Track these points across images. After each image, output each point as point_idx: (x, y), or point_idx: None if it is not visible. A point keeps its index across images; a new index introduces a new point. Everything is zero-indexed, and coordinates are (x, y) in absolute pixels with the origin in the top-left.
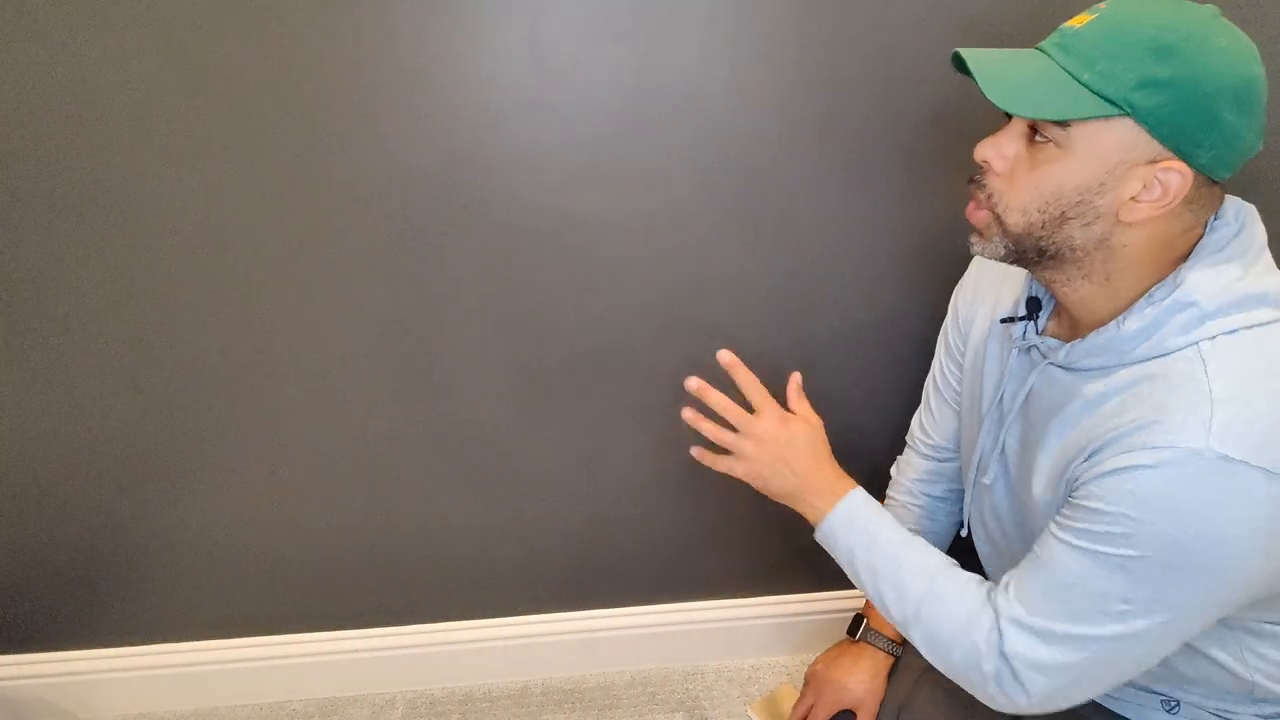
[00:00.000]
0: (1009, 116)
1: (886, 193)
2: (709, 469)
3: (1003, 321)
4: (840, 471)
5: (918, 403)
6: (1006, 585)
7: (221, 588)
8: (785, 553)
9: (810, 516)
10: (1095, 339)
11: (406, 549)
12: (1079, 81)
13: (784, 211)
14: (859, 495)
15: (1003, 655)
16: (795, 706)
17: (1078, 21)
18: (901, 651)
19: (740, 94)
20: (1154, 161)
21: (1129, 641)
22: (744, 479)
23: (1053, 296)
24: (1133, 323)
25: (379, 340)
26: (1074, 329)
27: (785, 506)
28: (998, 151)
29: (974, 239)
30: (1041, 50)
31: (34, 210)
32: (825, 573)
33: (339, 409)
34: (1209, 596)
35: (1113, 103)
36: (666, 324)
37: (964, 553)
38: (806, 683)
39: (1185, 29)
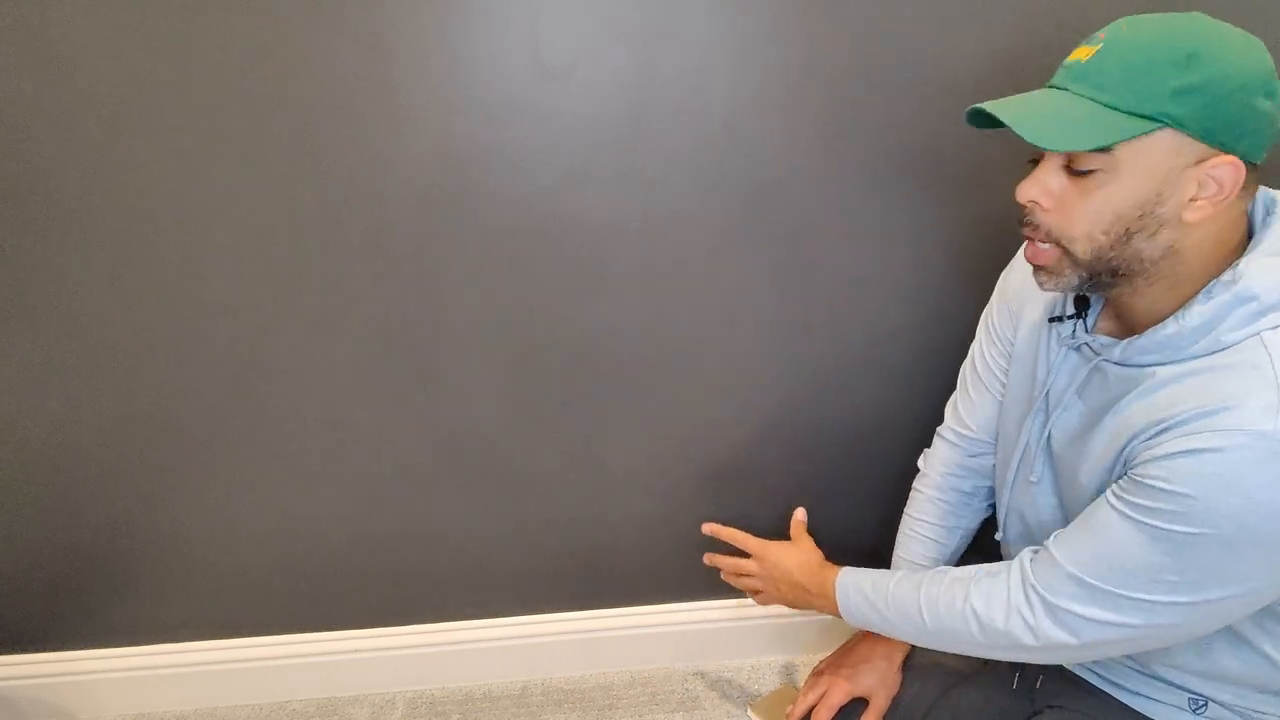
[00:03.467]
0: (1034, 158)
1: (891, 194)
2: (709, 470)
3: (1051, 320)
4: (826, 566)
5: (928, 408)
6: (1049, 545)
7: (221, 588)
8: None
9: (829, 612)
10: (1153, 336)
11: (406, 549)
12: (1108, 106)
13: (785, 212)
14: (846, 573)
15: (1048, 606)
16: (804, 694)
17: (1082, 55)
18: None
19: (741, 95)
20: (1202, 161)
21: (1175, 610)
22: (756, 595)
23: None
24: (1192, 319)
25: (379, 341)
26: (1126, 325)
27: (783, 509)
28: (1043, 189)
29: (1043, 278)
30: (1054, 87)
31: (33, 211)
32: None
33: (338, 409)
34: (1266, 577)
35: (1150, 118)
36: (666, 325)
37: (976, 556)
38: (818, 674)
39: (1196, 35)
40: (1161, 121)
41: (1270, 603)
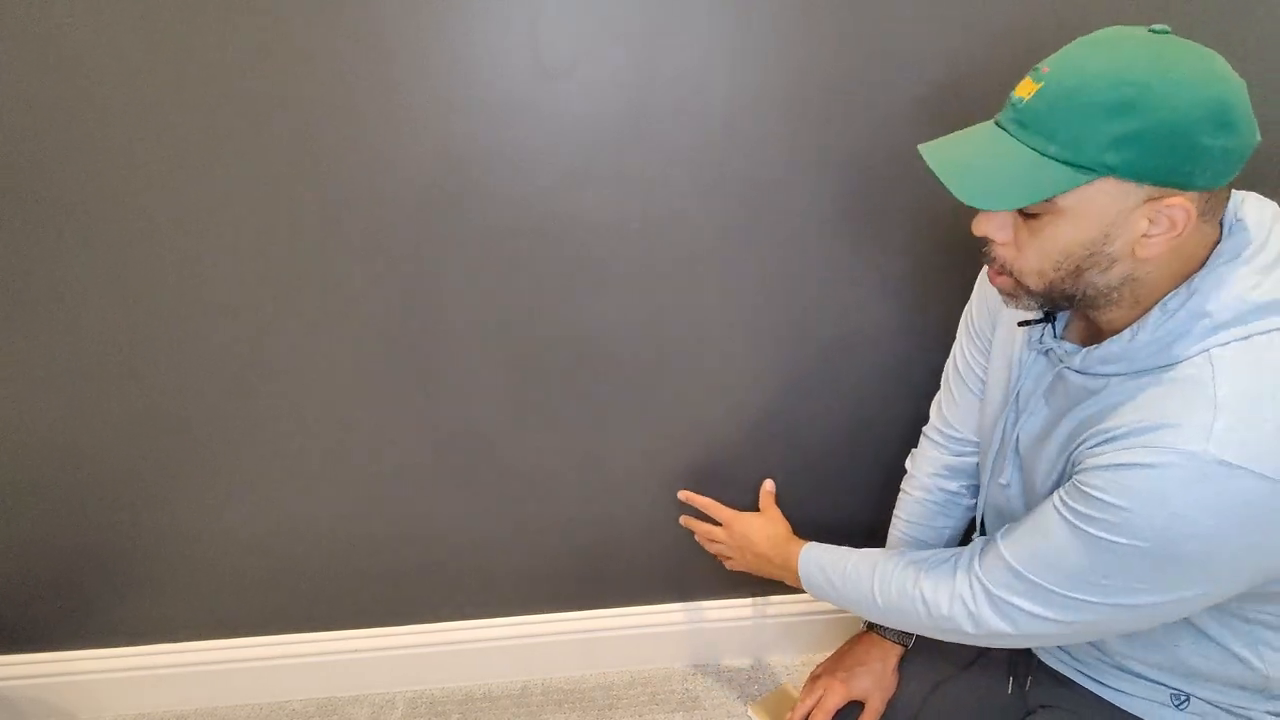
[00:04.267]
0: None
1: (890, 194)
2: (708, 470)
3: (1020, 324)
4: (791, 540)
5: (921, 409)
6: (997, 537)
7: (221, 588)
8: None
9: (791, 583)
10: (1109, 347)
11: (406, 549)
12: (1045, 156)
13: (784, 213)
14: (809, 549)
15: (989, 596)
16: (802, 699)
17: (1025, 91)
18: (911, 642)
19: (741, 95)
20: (1153, 199)
21: (1104, 610)
22: (726, 560)
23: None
24: (1146, 334)
25: (379, 341)
26: (1091, 332)
27: (782, 510)
28: (996, 226)
29: (1005, 299)
30: (999, 125)
31: (32, 212)
32: None
33: (338, 409)
34: (1195, 589)
35: (1087, 168)
36: (666, 325)
37: None
38: (815, 678)
39: (1138, 74)
40: (1098, 171)
41: (1221, 603)
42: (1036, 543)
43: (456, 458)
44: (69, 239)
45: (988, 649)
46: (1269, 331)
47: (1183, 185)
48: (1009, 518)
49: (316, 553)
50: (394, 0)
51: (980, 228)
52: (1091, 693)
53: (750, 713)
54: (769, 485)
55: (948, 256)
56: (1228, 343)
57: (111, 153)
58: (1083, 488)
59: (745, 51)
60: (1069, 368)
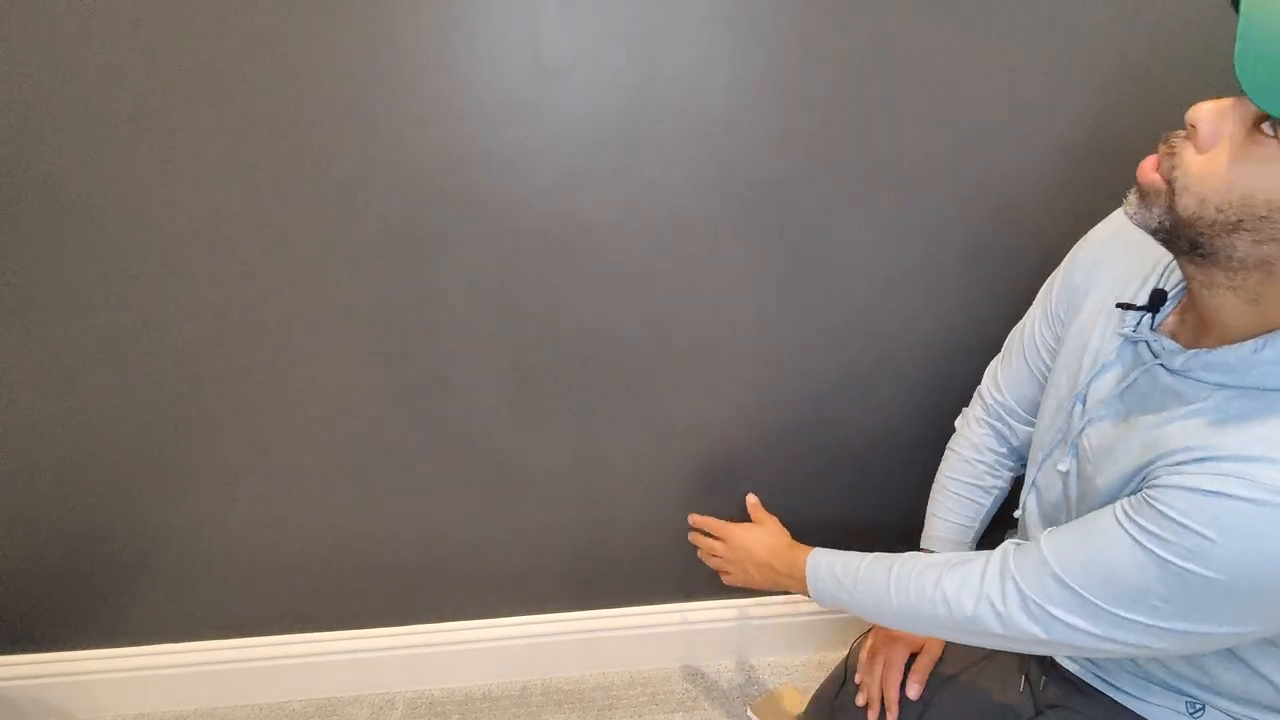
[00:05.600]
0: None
1: (890, 194)
2: (709, 470)
3: (1119, 306)
4: (795, 547)
5: (929, 406)
6: (1040, 540)
7: (221, 588)
8: None
9: (798, 591)
10: (1223, 355)
11: (406, 549)
12: None
13: (785, 212)
14: (817, 554)
15: (1023, 599)
16: (868, 668)
17: None
18: None
19: (741, 94)
20: None
21: (1150, 633)
22: (725, 575)
23: (1185, 291)
24: (1275, 351)
25: (378, 341)
26: (1197, 333)
27: (783, 508)
28: (1215, 124)
29: (1132, 199)
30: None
31: (31, 210)
32: None
33: (337, 409)
34: (1255, 625)
35: None
36: (666, 325)
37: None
38: (871, 648)
39: None
40: None
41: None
42: (1089, 553)
43: (457, 458)
44: (72, 239)
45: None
46: None
47: None
48: (1056, 505)
49: (316, 553)
50: (394, 1)
51: (1198, 114)
52: (1105, 695)
53: (750, 713)
54: (752, 499)
55: (950, 255)
56: None
57: (113, 152)
58: (1158, 506)
59: (745, 51)
60: (1165, 366)
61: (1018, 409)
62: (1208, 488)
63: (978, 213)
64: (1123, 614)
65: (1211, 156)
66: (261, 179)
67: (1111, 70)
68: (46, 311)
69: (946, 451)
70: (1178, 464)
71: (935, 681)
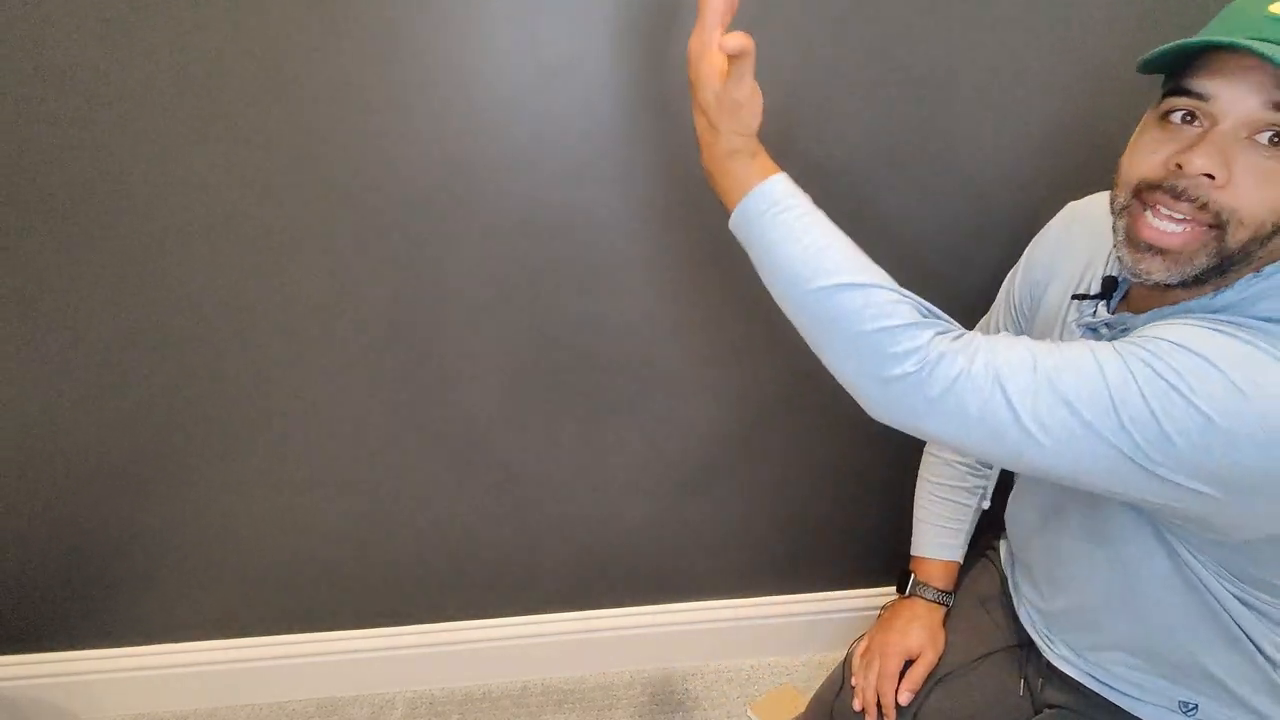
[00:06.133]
0: (1189, 119)
1: (889, 192)
2: (709, 468)
3: (1074, 297)
4: (758, 153)
5: None
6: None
7: (221, 588)
8: (785, 553)
9: (720, 187)
10: (1187, 304)
11: (406, 549)
12: None
13: None
14: (782, 181)
15: (979, 356)
16: (863, 672)
17: None
18: (951, 603)
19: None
20: None
21: (1104, 451)
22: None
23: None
24: (1232, 293)
25: (378, 340)
26: (1148, 304)
27: (783, 508)
28: (1224, 161)
29: (1155, 266)
30: (1263, 40)
31: (31, 211)
32: (825, 574)
33: (338, 408)
34: (1200, 481)
35: None
36: (666, 324)
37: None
38: (866, 651)
39: None
40: None
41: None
42: (1077, 353)
43: (457, 458)
44: (70, 238)
45: (991, 650)
46: None
47: None
48: (1037, 494)
49: (317, 553)
50: (395, 1)
51: (1203, 163)
52: (1099, 695)
53: (750, 713)
54: (736, 41)
55: (951, 253)
56: None
57: (111, 153)
58: (1156, 335)
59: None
60: (1129, 328)
61: None
62: (1232, 331)
63: (977, 213)
64: (1089, 419)
65: (1245, 186)
66: (261, 180)
67: (1104, 64)
68: (46, 312)
69: (925, 455)
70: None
71: (931, 683)
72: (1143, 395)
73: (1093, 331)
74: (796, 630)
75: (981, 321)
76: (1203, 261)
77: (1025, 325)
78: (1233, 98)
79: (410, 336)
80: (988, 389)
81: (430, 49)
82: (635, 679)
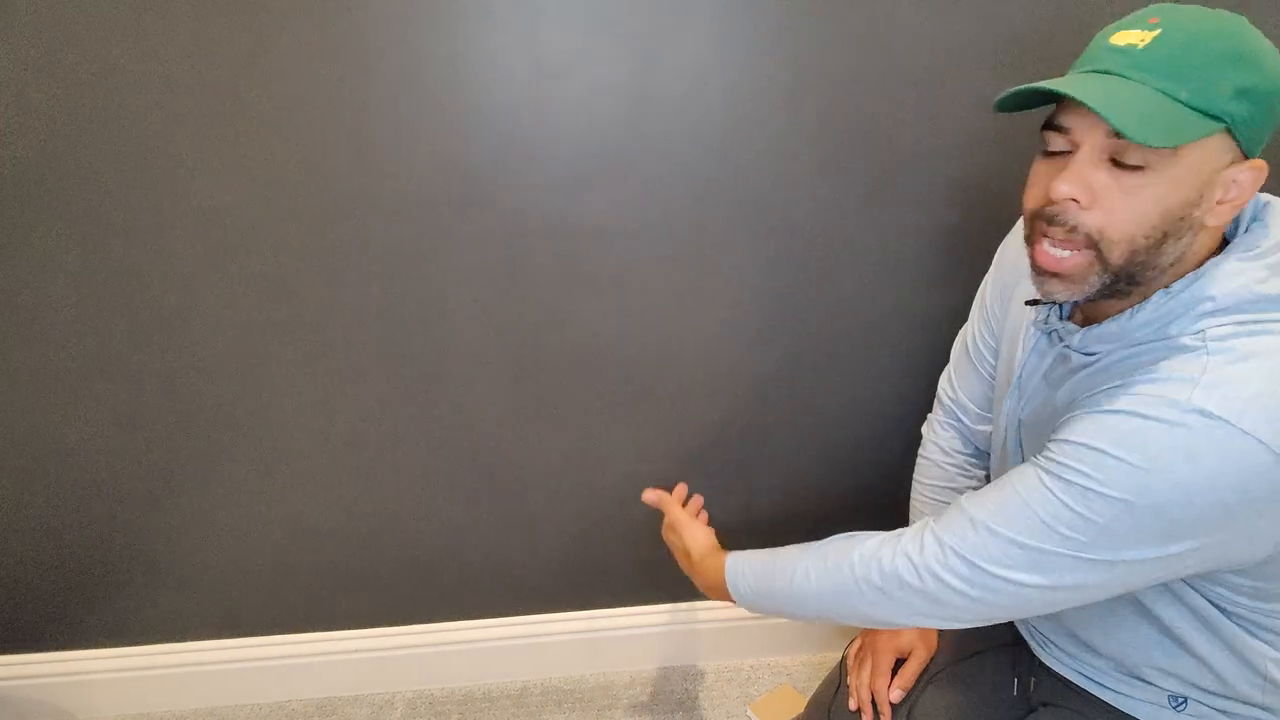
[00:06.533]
0: (1051, 150)
1: (889, 194)
2: (708, 468)
3: (1027, 303)
4: (718, 551)
5: (925, 409)
6: (960, 499)
7: (221, 588)
8: None
9: (711, 591)
10: (1108, 326)
11: (406, 549)
12: (1176, 101)
13: (785, 212)
14: (735, 556)
15: (940, 546)
16: (854, 672)
17: (1135, 39)
18: None
19: (740, 94)
20: (1234, 163)
21: (1068, 563)
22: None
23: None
24: (1146, 314)
25: (379, 342)
26: (1092, 313)
27: (782, 509)
28: (1084, 185)
29: (1057, 287)
30: (1109, 73)
31: (33, 214)
32: None
33: (337, 409)
34: (1158, 547)
35: (1215, 117)
36: (665, 325)
37: None
38: (859, 651)
39: (1242, 36)
40: (1224, 122)
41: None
42: (1003, 495)
43: (456, 458)
44: (68, 241)
45: (985, 647)
46: (1267, 322)
47: (1254, 152)
48: None
49: (317, 553)
50: (395, 2)
51: (1068, 188)
52: (1090, 693)
53: (750, 713)
54: (696, 500)
55: (949, 254)
56: (1225, 324)
57: (110, 156)
58: (1065, 437)
59: (744, 52)
60: (1069, 347)
61: (972, 408)
62: (1099, 408)
63: (976, 212)
64: (1036, 545)
65: (1107, 205)
66: (261, 182)
67: None
68: (46, 312)
69: (918, 459)
70: (1089, 400)
71: (925, 680)
72: (1066, 505)
73: (1046, 336)
74: (796, 630)
75: (959, 335)
76: (1095, 281)
77: (997, 328)
78: (1084, 127)
79: (409, 337)
80: (951, 561)
81: (431, 53)
82: (635, 679)
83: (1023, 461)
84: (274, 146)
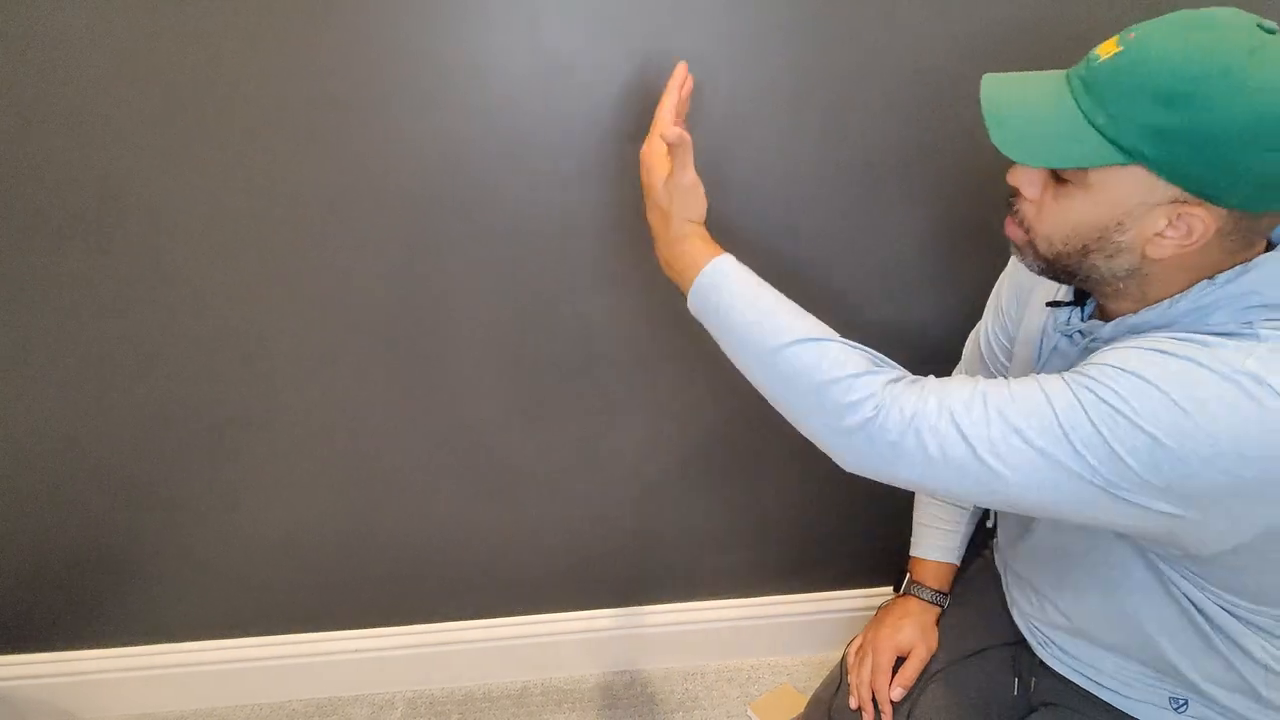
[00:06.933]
0: None
1: (890, 192)
2: (709, 468)
3: (1049, 305)
4: (708, 240)
5: None
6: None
7: (222, 588)
8: (785, 553)
9: (674, 274)
10: (1145, 315)
11: (406, 549)
12: (1093, 125)
13: (786, 211)
14: (727, 261)
15: (934, 400)
16: (855, 670)
17: (1105, 51)
18: (946, 604)
19: (741, 92)
20: (1179, 201)
21: (1052, 474)
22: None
23: None
24: (1187, 302)
25: (379, 341)
26: (1112, 313)
27: (783, 508)
28: (1027, 180)
29: (1014, 250)
30: (1069, 78)
31: (36, 212)
32: (825, 574)
33: (338, 409)
34: (1152, 498)
35: (1125, 151)
36: (666, 324)
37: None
38: (859, 648)
39: (1204, 68)
40: (1133, 156)
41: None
42: (1027, 389)
43: (457, 457)
44: (73, 239)
45: (985, 646)
46: None
47: (1213, 198)
48: (1015, 517)
49: (317, 553)
50: (395, 1)
51: (1014, 177)
52: (1090, 693)
53: (750, 713)
54: (674, 133)
55: (950, 254)
56: (1272, 319)
57: (115, 154)
58: (1101, 361)
59: (745, 50)
60: (1097, 340)
61: None
62: (1149, 346)
63: (976, 211)
64: (1041, 446)
65: (1040, 204)
66: (263, 181)
67: None
68: (46, 313)
69: None
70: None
71: (925, 679)
72: (1090, 420)
73: (1068, 338)
74: (796, 630)
75: (972, 333)
76: (1033, 262)
77: (1012, 330)
78: None
79: (410, 337)
80: (943, 427)
81: (431, 52)
82: (635, 679)
83: None
84: (275, 146)
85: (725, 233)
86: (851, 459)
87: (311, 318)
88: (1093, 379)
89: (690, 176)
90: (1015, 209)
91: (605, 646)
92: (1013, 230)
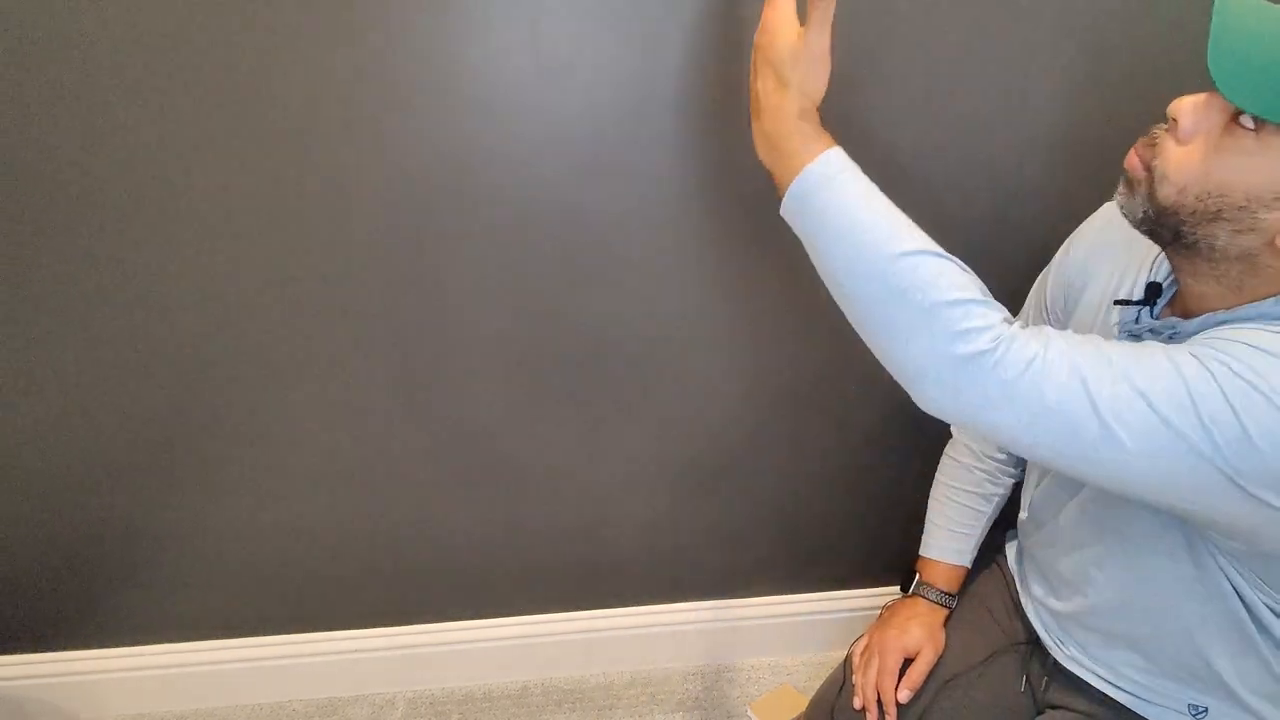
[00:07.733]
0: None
1: (891, 191)
2: (710, 468)
3: (1116, 303)
4: (822, 132)
5: None
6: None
7: (221, 588)
8: (785, 553)
9: (776, 166)
10: (1246, 310)
11: (406, 549)
12: None
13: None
14: (840, 156)
15: (1053, 350)
16: (862, 670)
17: None
18: (954, 605)
19: (742, 91)
20: None
21: (1171, 446)
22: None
23: (1174, 283)
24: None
25: (379, 340)
26: (1186, 308)
27: (784, 508)
28: (1194, 117)
29: (1121, 189)
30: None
31: (36, 210)
32: (825, 574)
33: (338, 409)
34: (1267, 489)
35: None
36: (668, 323)
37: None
38: (866, 649)
39: None
40: None
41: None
42: (1151, 354)
43: (457, 457)
44: (73, 239)
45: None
46: None
47: None
48: (1059, 492)
49: (317, 553)
50: (395, 1)
51: (1179, 109)
52: (1106, 695)
53: (750, 713)
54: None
55: (960, 252)
56: None
57: (112, 153)
58: (1224, 337)
59: (745, 48)
60: (1180, 333)
61: None
62: (1255, 341)
63: (977, 210)
64: (1166, 415)
65: (1190, 148)
66: (263, 180)
67: (1102, 66)
68: (45, 312)
69: (944, 458)
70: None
71: (934, 682)
72: (1222, 392)
73: (1136, 338)
74: (796, 630)
75: (1036, 282)
76: (1140, 205)
77: (1057, 325)
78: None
79: (411, 336)
80: (1065, 375)
81: (433, 50)
82: (635, 679)
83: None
84: (276, 145)
85: (726, 232)
86: (945, 396)
87: (312, 316)
88: (1225, 354)
89: (825, 43)
90: (1154, 140)
91: (605, 646)
92: (1133, 163)
